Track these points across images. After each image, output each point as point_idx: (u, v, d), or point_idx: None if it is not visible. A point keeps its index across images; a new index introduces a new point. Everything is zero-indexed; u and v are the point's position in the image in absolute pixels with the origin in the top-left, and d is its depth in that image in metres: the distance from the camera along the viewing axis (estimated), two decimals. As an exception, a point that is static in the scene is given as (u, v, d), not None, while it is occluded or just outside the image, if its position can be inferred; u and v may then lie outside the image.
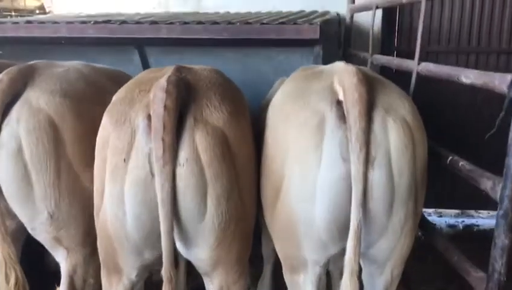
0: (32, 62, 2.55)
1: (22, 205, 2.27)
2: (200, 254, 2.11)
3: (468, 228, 5.70)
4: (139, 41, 4.23)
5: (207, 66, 2.51)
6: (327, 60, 4.45)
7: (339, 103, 2.00)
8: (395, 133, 1.95)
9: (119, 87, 2.75)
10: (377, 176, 1.93)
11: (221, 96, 2.14)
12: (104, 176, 2.05)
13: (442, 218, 5.91)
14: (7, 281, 2.29)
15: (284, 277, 2.34)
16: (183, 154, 1.94)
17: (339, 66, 2.20)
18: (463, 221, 5.90)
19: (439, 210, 6.07)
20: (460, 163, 2.11)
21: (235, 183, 2.07)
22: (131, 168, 1.95)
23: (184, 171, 1.93)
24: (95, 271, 2.52)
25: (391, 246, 2.12)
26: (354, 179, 1.88)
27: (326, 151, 1.94)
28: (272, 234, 2.29)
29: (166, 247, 1.94)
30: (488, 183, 1.89)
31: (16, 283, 2.30)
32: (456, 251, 2.16)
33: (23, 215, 2.32)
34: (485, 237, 5.28)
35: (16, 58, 3.38)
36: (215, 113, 2.05)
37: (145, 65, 4.63)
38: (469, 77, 2.07)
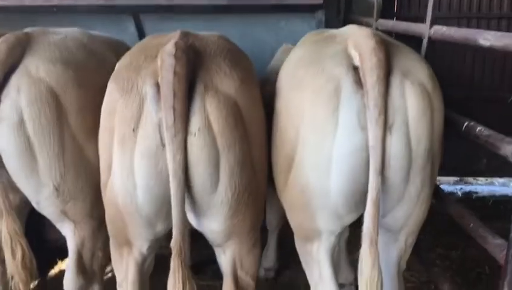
0: (27, 29, 2.42)
1: (26, 179, 2.19)
2: (213, 225, 2.06)
3: (468, 195, 5.73)
4: (134, 8, 4.09)
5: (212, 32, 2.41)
6: (328, 26, 4.36)
7: (355, 68, 1.93)
8: (414, 98, 1.89)
9: (118, 56, 2.65)
10: (395, 143, 1.87)
11: (231, 62, 2.06)
12: (112, 147, 1.97)
13: (441, 185, 5.92)
14: (14, 256, 2.24)
15: (296, 246, 2.31)
16: (195, 123, 1.86)
17: (353, 29, 2.12)
18: (461, 188, 5.92)
19: (438, 177, 6.07)
20: (478, 128, 2.06)
21: (248, 152, 2.01)
22: (140, 139, 1.87)
23: (196, 141, 1.86)
24: (103, 244, 2.48)
25: (407, 214, 2.08)
26: (372, 146, 1.82)
27: (343, 118, 1.87)
28: (284, 204, 2.24)
29: (177, 219, 1.88)
30: (508, 148, 1.84)
31: (23, 258, 2.25)
32: (472, 217, 2.13)
33: (27, 189, 2.24)
34: (484, 203, 5.34)
35: (7, 27, 3.24)
36: (226, 80, 1.97)
37: (141, 34, 4.48)
38: (488, 39, 2.00)
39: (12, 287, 2.30)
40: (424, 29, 2.66)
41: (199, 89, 1.90)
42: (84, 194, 2.31)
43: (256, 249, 2.23)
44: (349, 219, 2.08)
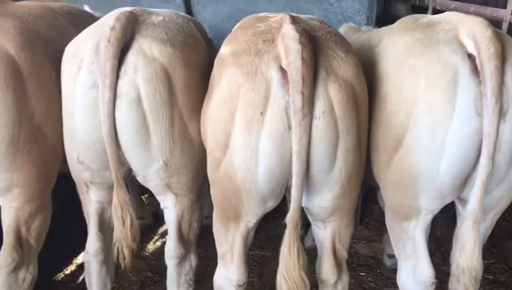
0: (128, 9, 2.46)
1: (138, 154, 2.29)
2: (323, 202, 2.19)
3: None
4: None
5: (311, 15, 2.49)
6: (380, 5, 4.38)
7: (470, 56, 2.02)
8: None
9: (203, 37, 2.72)
10: (508, 129, 1.98)
11: (342, 47, 2.14)
12: (230, 128, 2.06)
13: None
14: (123, 224, 2.36)
15: (389, 222, 2.45)
16: (319, 107, 1.96)
17: (461, 17, 2.19)
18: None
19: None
20: None
21: (359, 135, 2.12)
22: (268, 121, 1.97)
23: (320, 124, 1.97)
24: (199, 216, 2.63)
25: (503, 195, 2.21)
26: (487, 133, 1.93)
27: (460, 105, 1.97)
28: (383, 184, 2.36)
29: (297, 197, 2.01)
30: None
31: (131, 226, 2.37)
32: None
33: (137, 163, 2.34)
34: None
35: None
36: (343, 65, 2.06)
37: (188, 5, 4.50)
38: None
39: (118, 253, 2.44)
40: (505, 14, 2.72)
41: (321, 74, 1.99)
42: (188, 169, 2.43)
43: (352, 224, 2.38)
44: (450, 199, 2.21)
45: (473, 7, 3.25)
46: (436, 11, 3.81)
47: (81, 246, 3.78)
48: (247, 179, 2.07)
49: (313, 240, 2.66)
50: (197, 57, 2.48)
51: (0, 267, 2.43)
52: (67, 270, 3.62)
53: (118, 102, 2.18)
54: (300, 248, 2.09)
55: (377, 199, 3.57)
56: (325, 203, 2.19)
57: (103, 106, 2.15)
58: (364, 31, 3.20)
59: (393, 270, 3.59)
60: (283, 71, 1.98)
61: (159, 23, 2.40)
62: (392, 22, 4.18)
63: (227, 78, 2.09)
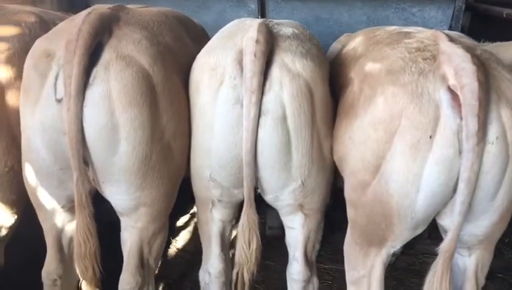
0: (260, 20, 2.35)
1: (277, 173, 2.18)
2: (477, 230, 2.07)
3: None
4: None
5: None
6: (462, 17, 4.25)
7: None
8: None
9: None
10: None
11: (504, 67, 2.04)
12: (385, 150, 1.96)
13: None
14: (248, 246, 2.26)
15: None
16: (493, 132, 1.85)
17: None
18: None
19: None
20: None
21: None
22: (437, 145, 1.86)
23: (493, 150, 1.85)
24: (321, 237, 2.52)
25: None
26: None
27: None
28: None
29: (458, 226, 1.91)
30: None
31: (256, 249, 2.28)
32: None
33: (273, 183, 2.23)
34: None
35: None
36: (511, 87, 1.95)
37: (263, 13, 4.40)
38: None
39: (236, 276, 2.36)
40: None
41: (493, 97, 1.88)
42: (321, 189, 2.33)
43: (493, 251, 2.26)
44: None
45: None
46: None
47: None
48: (404, 205, 1.96)
49: None
50: (327, 71, 2.39)
51: (123, 290, 2.33)
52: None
53: (262, 119, 2.08)
54: (451, 278, 1.99)
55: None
56: (479, 231, 2.07)
57: (247, 123, 2.05)
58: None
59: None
60: (452, 92, 1.88)
61: (292, 36, 2.30)
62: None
63: (386, 98, 1.98)
